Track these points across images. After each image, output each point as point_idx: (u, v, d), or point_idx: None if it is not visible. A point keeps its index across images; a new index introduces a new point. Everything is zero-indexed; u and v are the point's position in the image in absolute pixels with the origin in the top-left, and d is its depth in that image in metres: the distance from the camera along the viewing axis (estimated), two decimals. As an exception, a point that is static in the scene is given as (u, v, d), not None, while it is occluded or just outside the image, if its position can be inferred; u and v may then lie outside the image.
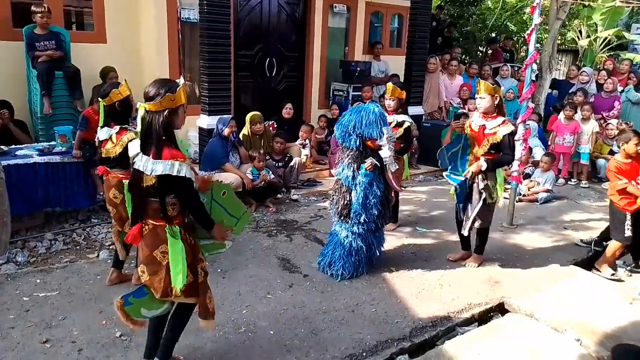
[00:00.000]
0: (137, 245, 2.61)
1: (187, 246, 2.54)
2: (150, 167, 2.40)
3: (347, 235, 4.00)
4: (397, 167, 4.01)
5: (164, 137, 2.42)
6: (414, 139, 7.23)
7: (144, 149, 2.45)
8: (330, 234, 4.23)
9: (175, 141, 2.52)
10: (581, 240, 5.05)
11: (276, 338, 3.24)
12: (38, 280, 3.80)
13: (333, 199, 4.10)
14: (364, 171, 3.85)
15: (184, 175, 2.40)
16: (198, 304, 2.67)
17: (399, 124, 4.73)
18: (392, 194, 4.49)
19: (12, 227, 4.24)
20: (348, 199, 3.94)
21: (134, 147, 2.52)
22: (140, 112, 2.43)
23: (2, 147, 4.74)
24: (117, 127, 3.53)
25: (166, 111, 2.40)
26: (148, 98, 2.41)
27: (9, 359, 2.90)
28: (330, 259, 4.09)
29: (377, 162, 3.85)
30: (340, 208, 3.98)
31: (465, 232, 4.26)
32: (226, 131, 5.54)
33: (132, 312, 2.61)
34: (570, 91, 8.50)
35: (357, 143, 3.80)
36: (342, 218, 4.00)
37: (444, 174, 4.49)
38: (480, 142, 4.05)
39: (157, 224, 2.50)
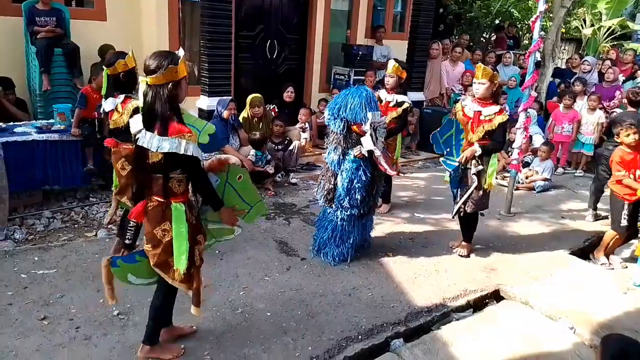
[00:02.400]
0: (141, 222, 2.59)
1: (189, 226, 2.50)
2: (156, 144, 2.33)
3: (332, 219, 4.00)
4: (379, 153, 3.80)
5: (169, 112, 2.36)
6: (411, 122, 7.22)
7: (148, 125, 2.37)
8: (318, 219, 4.22)
9: (180, 115, 2.44)
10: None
11: (273, 320, 3.26)
12: (36, 258, 3.80)
13: (320, 182, 4.06)
14: (352, 157, 3.76)
15: (191, 154, 2.35)
16: (192, 291, 2.63)
17: (398, 104, 4.69)
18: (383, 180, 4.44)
19: (10, 204, 4.24)
20: (333, 182, 3.89)
21: (136, 124, 2.44)
22: (142, 87, 2.35)
23: (0, 124, 4.71)
24: (122, 96, 3.50)
25: (170, 84, 2.33)
26: (150, 71, 2.33)
27: (7, 334, 2.92)
28: (319, 244, 4.11)
29: (365, 152, 3.73)
30: (325, 192, 3.95)
31: (452, 215, 4.26)
32: (225, 113, 5.52)
33: (119, 275, 2.60)
34: (571, 80, 8.49)
35: (342, 127, 3.70)
36: (327, 202, 3.98)
37: (441, 159, 4.46)
38: (474, 128, 4.01)
39: (162, 200, 2.47)
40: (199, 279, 2.65)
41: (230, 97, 5.83)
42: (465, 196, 4.09)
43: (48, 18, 5.50)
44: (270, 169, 5.65)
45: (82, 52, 5.66)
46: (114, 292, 2.62)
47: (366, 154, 3.74)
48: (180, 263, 2.45)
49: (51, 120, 4.97)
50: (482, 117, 3.94)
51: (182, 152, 2.33)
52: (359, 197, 3.83)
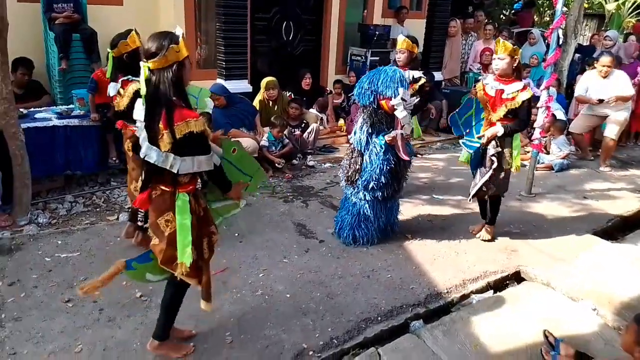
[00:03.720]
0: (145, 209, 2.47)
1: (195, 218, 2.39)
2: (144, 150, 2.26)
3: (355, 202, 3.98)
4: (405, 133, 3.78)
5: (175, 97, 2.23)
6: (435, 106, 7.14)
7: (152, 114, 2.24)
8: (342, 200, 4.21)
9: (187, 98, 2.33)
10: None
11: (292, 301, 3.28)
12: (59, 242, 3.88)
13: (344, 162, 4.04)
14: (383, 142, 3.71)
15: (176, 171, 2.26)
16: (201, 285, 2.54)
17: (415, 80, 4.57)
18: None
19: (32, 189, 4.31)
20: (360, 163, 3.85)
21: (138, 113, 2.33)
22: (144, 73, 2.19)
23: (22, 110, 4.76)
24: (121, 80, 3.48)
25: (174, 65, 2.19)
26: (150, 54, 2.18)
27: (33, 316, 2.99)
28: (341, 225, 4.10)
29: (401, 133, 3.68)
30: (350, 172, 3.90)
31: (469, 199, 4.16)
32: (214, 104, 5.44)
33: (136, 277, 2.58)
34: (593, 55, 8.26)
35: (371, 99, 3.65)
36: (349, 183, 3.95)
37: (461, 141, 4.33)
38: (496, 107, 3.87)
39: (166, 189, 2.36)
40: (208, 273, 2.56)
41: (217, 85, 5.67)
42: (485, 178, 3.97)
43: (65, 4, 5.51)
44: (281, 164, 5.64)
45: (99, 36, 5.67)
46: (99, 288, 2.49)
47: (399, 137, 3.68)
48: (184, 256, 2.32)
49: (71, 106, 5.02)
50: (504, 95, 3.79)
51: (167, 167, 2.25)
52: (384, 180, 3.80)
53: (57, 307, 3.09)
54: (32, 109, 4.98)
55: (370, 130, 3.77)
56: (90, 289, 2.42)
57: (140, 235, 3.74)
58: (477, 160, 4.08)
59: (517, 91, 3.76)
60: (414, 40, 4.70)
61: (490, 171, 3.95)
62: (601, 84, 6.31)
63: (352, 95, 3.92)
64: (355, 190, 3.94)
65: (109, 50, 3.58)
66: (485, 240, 4.25)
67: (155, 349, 2.68)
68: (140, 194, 2.45)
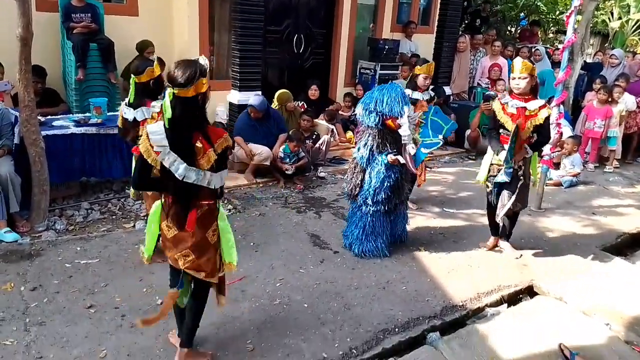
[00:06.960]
0: (192, 230, 2.44)
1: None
2: (182, 172, 2.33)
3: (360, 215, 4.04)
4: (414, 149, 3.98)
5: (202, 120, 2.40)
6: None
7: (179, 138, 2.31)
8: (349, 214, 4.27)
9: (208, 120, 2.49)
10: None
11: (310, 311, 3.32)
12: (78, 248, 3.92)
13: (347, 177, 4.13)
14: (384, 159, 3.81)
15: (213, 187, 2.43)
16: (218, 281, 2.65)
17: (413, 102, 4.69)
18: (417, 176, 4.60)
19: (49, 195, 4.36)
20: (360, 179, 3.94)
21: (159, 139, 2.33)
22: (169, 98, 2.26)
23: (40, 117, 4.82)
24: (158, 105, 3.48)
25: (199, 96, 2.30)
26: (179, 84, 2.22)
27: (57, 321, 3.03)
28: (350, 240, 4.15)
29: (401, 160, 3.80)
30: (351, 187, 4.01)
31: (499, 219, 4.10)
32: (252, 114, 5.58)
33: (179, 301, 2.67)
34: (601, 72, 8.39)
35: (377, 121, 3.76)
36: (351, 197, 4.06)
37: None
38: (523, 125, 3.83)
39: (210, 203, 2.49)
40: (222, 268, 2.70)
41: (260, 100, 5.71)
42: (514, 198, 3.94)
43: (83, 14, 5.60)
44: (289, 170, 5.68)
45: (115, 46, 5.75)
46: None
47: (402, 160, 3.82)
48: (232, 257, 2.56)
49: (88, 114, 5.08)
50: (527, 112, 3.81)
51: (205, 184, 2.38)
52: (383, 196, 3.88)
53: (79, 312, 3.13)
54: (49, 117, 5.03)
55: (374, 148, 3.84)
56: (151, 322, 2.54)
57: None
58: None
59: (539, 108, 3.82)
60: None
61: (518, 189, 3.96)
62: None
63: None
64: (358, 204, 4.02)
65: (132, 75, 3.63)
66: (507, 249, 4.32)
67: (184, 359, 2.70)
68: (190, 216, 2.43)
